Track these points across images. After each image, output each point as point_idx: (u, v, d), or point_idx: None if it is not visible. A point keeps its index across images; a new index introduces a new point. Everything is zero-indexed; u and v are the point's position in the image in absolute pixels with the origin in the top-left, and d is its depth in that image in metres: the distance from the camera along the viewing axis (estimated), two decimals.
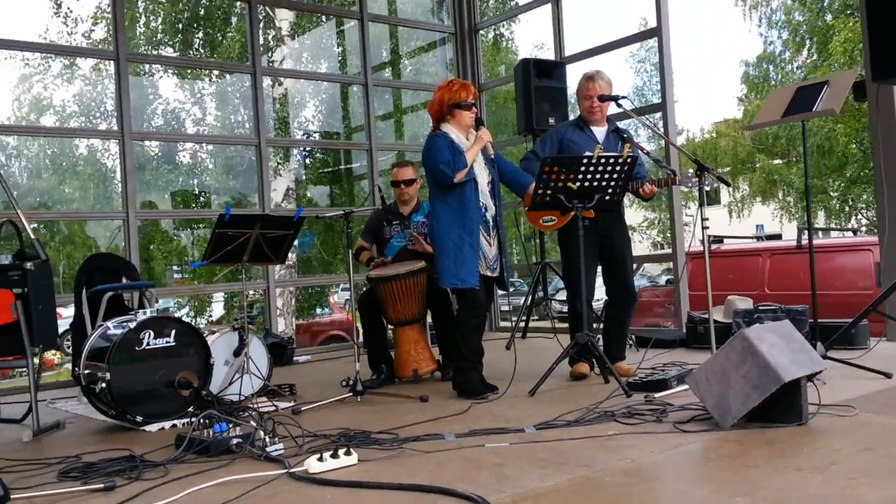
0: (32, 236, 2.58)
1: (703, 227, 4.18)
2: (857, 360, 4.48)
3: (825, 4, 21.50)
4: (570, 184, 4.26)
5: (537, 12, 8.60)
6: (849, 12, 19.52)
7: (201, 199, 13.12)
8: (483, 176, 4.48)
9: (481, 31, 9.25)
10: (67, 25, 11.75)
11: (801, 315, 5.24)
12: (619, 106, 4.79)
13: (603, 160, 4.27)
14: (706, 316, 5.90)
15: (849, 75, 4.58)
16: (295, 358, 6.84)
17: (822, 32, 20.85)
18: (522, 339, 7.01)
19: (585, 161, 4.25)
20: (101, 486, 2.93)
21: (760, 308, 5.62)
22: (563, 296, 7.80)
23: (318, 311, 13.19)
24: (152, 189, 12.51)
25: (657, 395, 3.99)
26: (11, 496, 2.63)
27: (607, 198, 4.39)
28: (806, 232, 10.43)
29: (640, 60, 27.01)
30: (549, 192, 4.29)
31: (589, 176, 4.27)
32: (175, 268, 14.17)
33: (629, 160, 4.33)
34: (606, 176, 4.30)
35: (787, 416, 3.20)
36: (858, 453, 2.79)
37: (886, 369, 4.23)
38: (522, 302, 7.45)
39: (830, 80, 4.48)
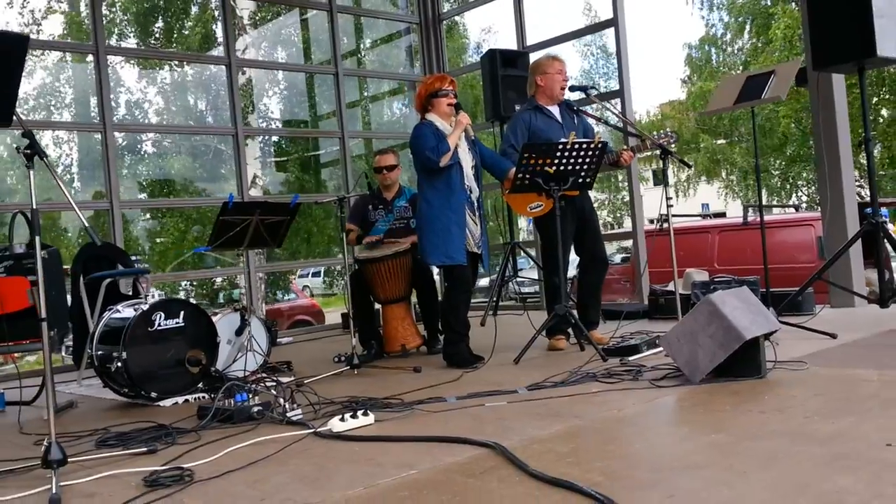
0: (85, 223, 2.85)
1: (668, 206, 4.62)
2: (805, 323, 4.98)
3: None
4: (546, 168, 4.66)
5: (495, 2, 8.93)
6: None
7: (165, 189, 13.20)
8: (467, 160, 4.86)
9: (445, 21, 9.56)
10: (24, 17, 11.72)
11: (753, 286, 5.76)
12: (588, 96, 5.20)
13: (577, 146, 4.67)
14: (666, 288, 6.39)
15: (793, 65, 5.06)
16: (278, 339, 7.14)
17: (763, 15, 21.65)
18: (494, 317, 7.40)
19: (561, 147, 4.65)
20: (145, 449, 3.24)
21: (716, 280, 6.13)
22: (525, 275, 8.25)
23: (283, 296, 13.43)
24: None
25: (630, 358, 4.43)
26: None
27: (580, 180, 4.80)
28: (751, 209, 11.03)
29: (587, 44, 27.63)
30: (528, 175, 4.68)
31: (564, 160, 4.67)
32: (135, 257, 14.24)
33: (600, 146, 4.74)
34: (580, 160, 4.71)
35: (749, 370, 3.65)
36: (811, 398, 3.25)
37: (831, 331, 4.73)
38: (493, 281, 7.84)
39: (777, 69, 4.95)
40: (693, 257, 10.36)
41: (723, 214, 22.83)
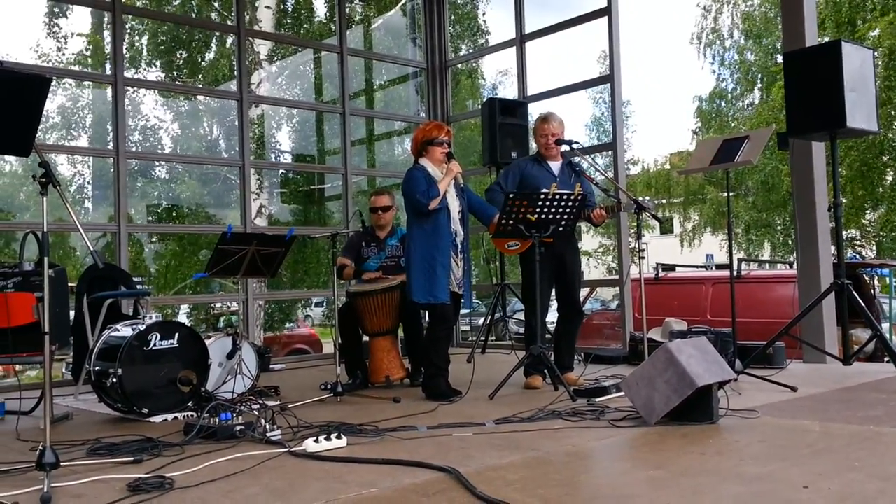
0: (90, 247, 3.13)
1: (640, 257, 4.89)
2: (773, 376, 5.19)
3: (778, 47, 22.76)
4: (529, 215, 4.94)
5: (503, 51, 9.29)
6: None
7: (173, 213, 13.56)
8: (455, 206, 5.16)
9: (451, 68, 9.94)
10: (58, 41, 12.17)
11: (728, 337, 5.98)
12: (572, 149, 5.50)
13: (558, 196, 4.97)
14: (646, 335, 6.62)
15: (766, 132, 5.37)
16: (271, 366, 7.40)
17: (773, 74, 22.07)
18: (482, 355, 7.65)
19: (543, 196, 4.94)
20: (131, 458, 3.50)
21: (692, 330, 6.36)
22: (520, 315, 8.52)
23: (288, 324, 13.70)
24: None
25: (598, 399, 4.66)
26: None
27: (560, 228, 5.08)
28: (747, 263, 11.22)
29: (599, 92, 28.24)
30: (511, 221, 4.97)
31: (545, 209, 4.96)
32: (138, 279, 14.55)
33: (579, 197, 5.03)
34: (560, 209, 5.00)
35: (701, 415, 3.89)
36: (752, 444, 3.48)
37: (794, 384, 4.95)
38: (483, 321, 8.10)
39: (751, 135, 5.26)
40: (686, 307, 10.57)
41: (727, 266, 22.98)
